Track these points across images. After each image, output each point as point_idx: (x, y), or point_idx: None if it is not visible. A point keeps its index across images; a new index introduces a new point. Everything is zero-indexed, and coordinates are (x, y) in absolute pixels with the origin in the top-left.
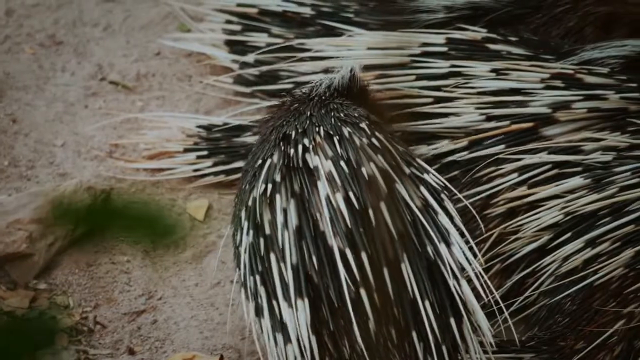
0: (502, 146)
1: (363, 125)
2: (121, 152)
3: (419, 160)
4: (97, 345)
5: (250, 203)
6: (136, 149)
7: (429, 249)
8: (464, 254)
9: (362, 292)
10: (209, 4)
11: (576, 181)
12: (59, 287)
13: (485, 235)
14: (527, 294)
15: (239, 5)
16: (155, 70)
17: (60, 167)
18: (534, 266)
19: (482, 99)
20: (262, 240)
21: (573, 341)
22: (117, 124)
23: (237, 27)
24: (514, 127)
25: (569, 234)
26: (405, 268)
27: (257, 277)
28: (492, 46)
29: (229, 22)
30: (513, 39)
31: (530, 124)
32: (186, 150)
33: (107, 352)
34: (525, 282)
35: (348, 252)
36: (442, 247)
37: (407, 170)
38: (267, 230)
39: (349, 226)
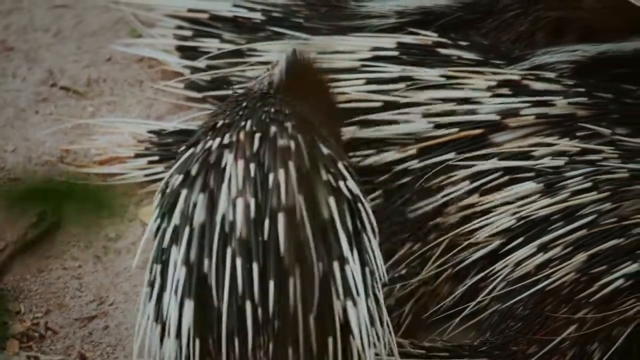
0: (453, 154)
1: (288, 124)
2: (72, 157)
3: (341, 166)
4: (48, 351)
5: (167, 190)
6: (87, 154)
7: (321, 265)
8: (358, 273)
9: (247, 304)
10: (160, 9)
11: (529, 186)
12: (10, 293)
13: (437, 241)
14: (479, 299)
15: (190, 10)
16: (107, 76)
17: (11, 173)
18: (486, 271)
19: (430, 107)
20: (169, 231)
21: (525, 346)
22: (68, 130)
23: (189, 33)
24: (463, 134)
25: (521, 239)
26: (294, 282)
27: (159, 267)
28: (442, 51)
29: (180, 27)
30: (463, 43)
31: (479, 131)
32: (137, 156)
33: (59, 358)
34: (478, 287)
35: (239, 261)
36: (335, 265)
37: (325, 177)
38: (176, 221)
39: (245, 234)
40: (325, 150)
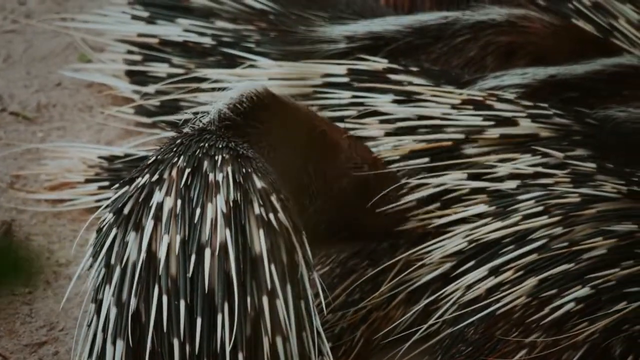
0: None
1: (218, 158)
2: (22, 183)
3: (274, 199)
4: None
5: (101, 229)
6: (37, 179)
7: (250, 300)
8: (290, 307)
9: (174, 341)
10: (110, 34)
11: (481, 208)
12: None
13: (391, 261)
14: (430, 322)
15: (140, 35)
16: (56, 101)
17: None
18: (436, 294)
19: (395, 126)
20: (101, 270)
21: None
22: (18, 155)
23: (138, 57)
24: (435, 144)
25: (472, 262)
26: (222, 319)
27: (93, 306)
28: (393, 76)
29: (130, 52)
30: (414, 69)
31: (450, 142)
32: (88, 181)
33: None
34: (429, 311)
35: (166, 299)
36: (265, 300)
37: (257, 211)
38: (108, 261)
39: (174, 272)
40: (259, 184)
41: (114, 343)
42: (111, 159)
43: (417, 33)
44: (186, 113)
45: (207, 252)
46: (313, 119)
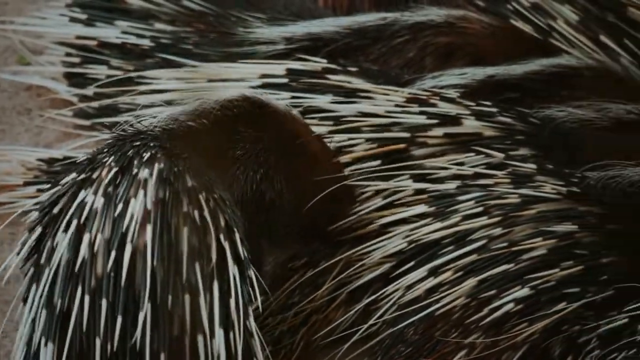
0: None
1: (146, 155)
2: None
3: (202, 198)
4: None
5: (32, 229)
6: None
7: (172, 298)
8: (216, 306)
9: (97, 341)
10: (49, 36)
11: (420, 209)
12: None
13: (331, 262)
14: (370, 322)
15: (78, 37)
16: None
17: None
18: (376, 295)
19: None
20: (31, 270)
21: None
22: None
23: (77, 60)
24: (386, 148)
25: (412, 263)
26: (144, 318)
27: (26, 307)
28: (332, 77)
29: (68, 54)
30: (353, 69)
31: (402, 145)
32: (26, 184)
33: None
34: (370, 311)
35: (88, 298)
36: (187, 298)
37: (185, 209)
38: (38, 261)
39: (100, 271)
40: (190, 182)
41: (45, 345)
42: (50, 161)
43: (356, 34)
44: (125, 115)
45: (130, 250)
46: (297, 127)
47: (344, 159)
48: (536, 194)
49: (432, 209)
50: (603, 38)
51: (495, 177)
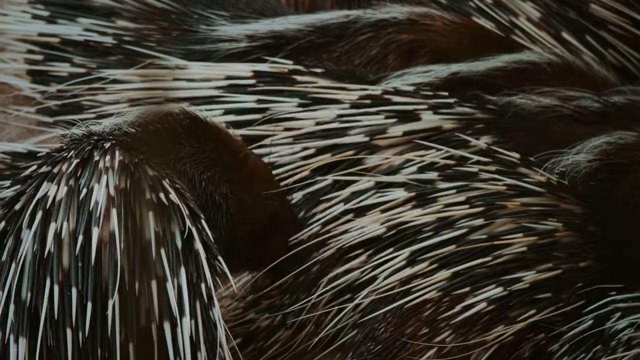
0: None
1: (106, 145)
2: None
3: (166, 183)
4: None
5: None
6: None
7: (138, 285)
8: (183, 292)
9: (68, 331)
10: (11, 33)
11: (398, 194)
12: None
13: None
14: (346, 309)
15: (40, 34)
16: None
17: None
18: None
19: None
20: None
21: None
22: None
23: (39, 57)
24: (338, 157)
25: (390, 249)
26: (113, 307)
27: None
28: (299, 78)
29: (31, 51)
30: (318, 70)
31: (351, 152)
32: None
33: None
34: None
35: (56, 289)
36: (153, 285)
37: (148, 196)
38: (2, 257)
39: (66, 261)
40: (151, 172)
41: (16, 341)
42: (14, 155)
43: (319, 32)
44: (88, 112)
45: (96, 240)
46: (235, 143)
47: (300, 172)
48: (522, 184)
49: (412, 194)
50: (565, 35)
51: (478, 165)
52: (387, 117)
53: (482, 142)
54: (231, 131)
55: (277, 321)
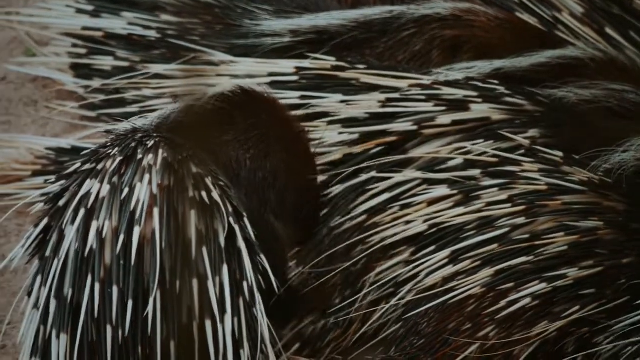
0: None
1: (150, 143)
2: None
3: (208, 182)
4: None
5: (38, 223)
6: None
7: (180, 283)
8: (225, 290)
9: (108, 328)
10: (55, 28)
11: (442, 191)
12: None
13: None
14: (386, 306)
15: (84, 28)
16: (1, 96)
17: None
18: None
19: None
20: (39, 262)
21: None
22: None
23: (83, 51)
24: (377, 141)
25: (433, 247)
26: (154, 305)
27: (33, 299)
28: (341, 74)
29: (74, 45)
30: (362, 66)
31: (394, 138)
32: (34, 174)
33: None
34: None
35: (97, 287)
36: (195, 283)
37: (192, 194)
38: (46, 253)
39: (108, 259)
40: (194, 169)
41: (58, 337)
42: (58, 151)
43: (362, 27)
44: (131, 107)
45: (138, 235)
46: (291, 119)
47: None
48: (564, 183)
49: (455, 192)
50: (608, 30)
51: (521, 165)
52: (436, 105)
53: (526, 139)
54: (284, 104)
55: (329, 321)
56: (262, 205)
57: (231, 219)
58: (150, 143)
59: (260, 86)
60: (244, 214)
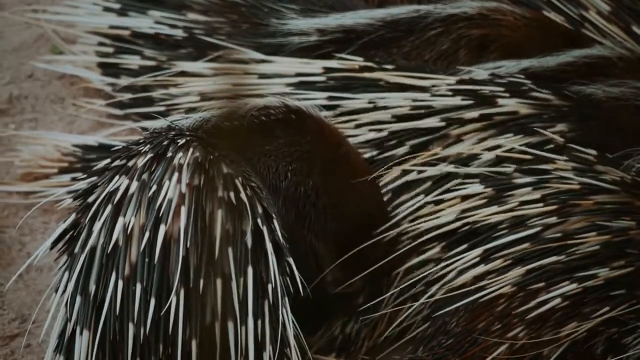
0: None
1: (181, 141)
2: None
3: (238, 183)
4: None
5: (67, 219)
6: (9, 171)
7: (203, 283)
8: (249, 292)
9: (130, 326)
10: (82, 26)
11: (475, 188)
12: None
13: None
14: (416, 304)
15: (111, 27)
16: (28, 93)
17: None
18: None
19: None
20: (66, 259)
21: None
22: None
23: (110, 49)
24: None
25: (465, 245)
26: (177, 304)
27: (59, 295)
28: (369, 75)
29: (101, 44)
30: (389, 67)
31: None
32: (61, 172)
33: None
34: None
35: (120, 284)
36: (218, 284)
37: (220, 194)
38: (74, 249)
39: (134, 256)
40: (225, 169)
41: (81, 333)
42: (85, 148)
43: (389, 26)
44: (158, 105)
45: (164, 232)
46: (338, 137)
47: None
48: (597, 183)
49: (489, 189)
50: (635, 28)
51: (555, 163)
52: (463, 100)
53: (560, 137)
54: (333, 125)
55: (359, 321)
56: (300, 220)
57: (259, 220)
58: (182, 142)
59: (313, 108)
60: (274, 215)
